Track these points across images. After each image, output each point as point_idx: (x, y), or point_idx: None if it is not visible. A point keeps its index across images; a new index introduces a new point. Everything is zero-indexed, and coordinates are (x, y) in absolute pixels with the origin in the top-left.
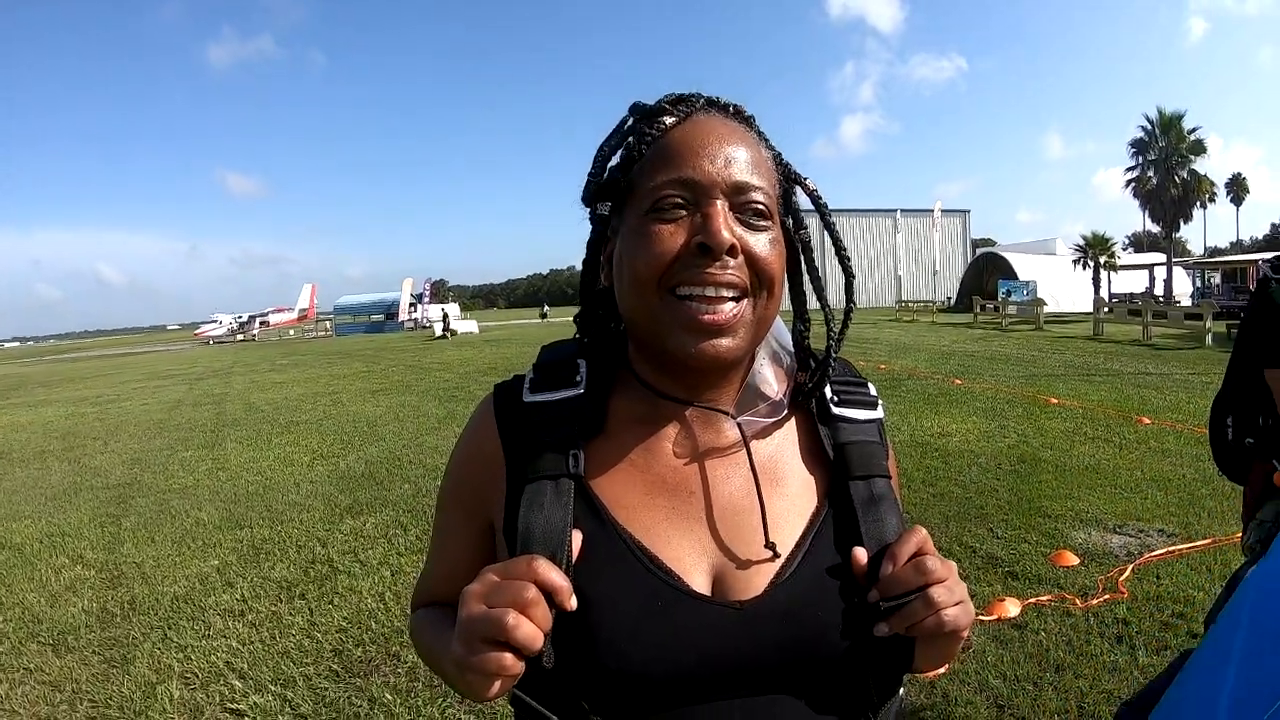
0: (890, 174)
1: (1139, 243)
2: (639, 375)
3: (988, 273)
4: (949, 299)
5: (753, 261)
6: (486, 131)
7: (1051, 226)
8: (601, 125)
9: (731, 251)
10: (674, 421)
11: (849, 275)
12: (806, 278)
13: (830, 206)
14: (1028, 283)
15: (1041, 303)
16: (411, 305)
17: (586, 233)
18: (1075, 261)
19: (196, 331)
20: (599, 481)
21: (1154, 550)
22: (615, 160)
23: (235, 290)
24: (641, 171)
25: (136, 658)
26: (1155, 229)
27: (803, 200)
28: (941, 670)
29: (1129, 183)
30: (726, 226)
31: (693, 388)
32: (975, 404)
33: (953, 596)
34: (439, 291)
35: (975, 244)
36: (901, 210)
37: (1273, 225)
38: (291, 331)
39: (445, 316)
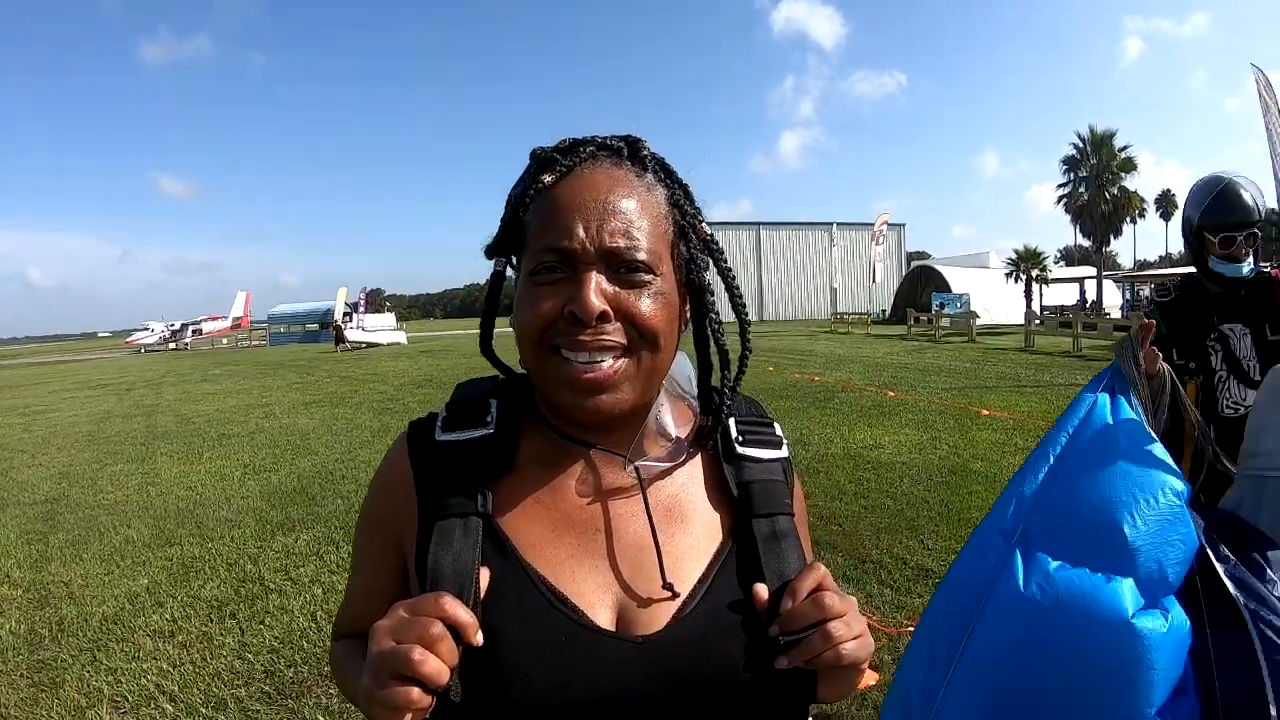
0: (827, 188)
1: (1070, 256)
2: (545, 417)
3: (922, 285)
4: (883, 311)
5: (630, 319)
6: (427, 139)
7: (985, 240)
8: (540, 136)
9: (604, 317)
10: (579, 462)
11: (743, 321)
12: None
13: (768, 220)
14: (961, 295)
15: (974, 315)
16: (346, 315)
17: None
18: (1008, 275)
19: (128, 339)
20: (506, 519)
21: None
22: (507, 216)
23: (168, 297)
24: (528, 229)
25: (66, 681)
26: (1086, 243)
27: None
28: (872, 681)
29: (1061, 199)
30: (598, 293)
31: (594, 432)
32: (907, 416)
33: (851, 631)
34: (375, 300)
35: (910, 257)
36: (838, 224)
37: (1197, 182)
38: (225, 340)
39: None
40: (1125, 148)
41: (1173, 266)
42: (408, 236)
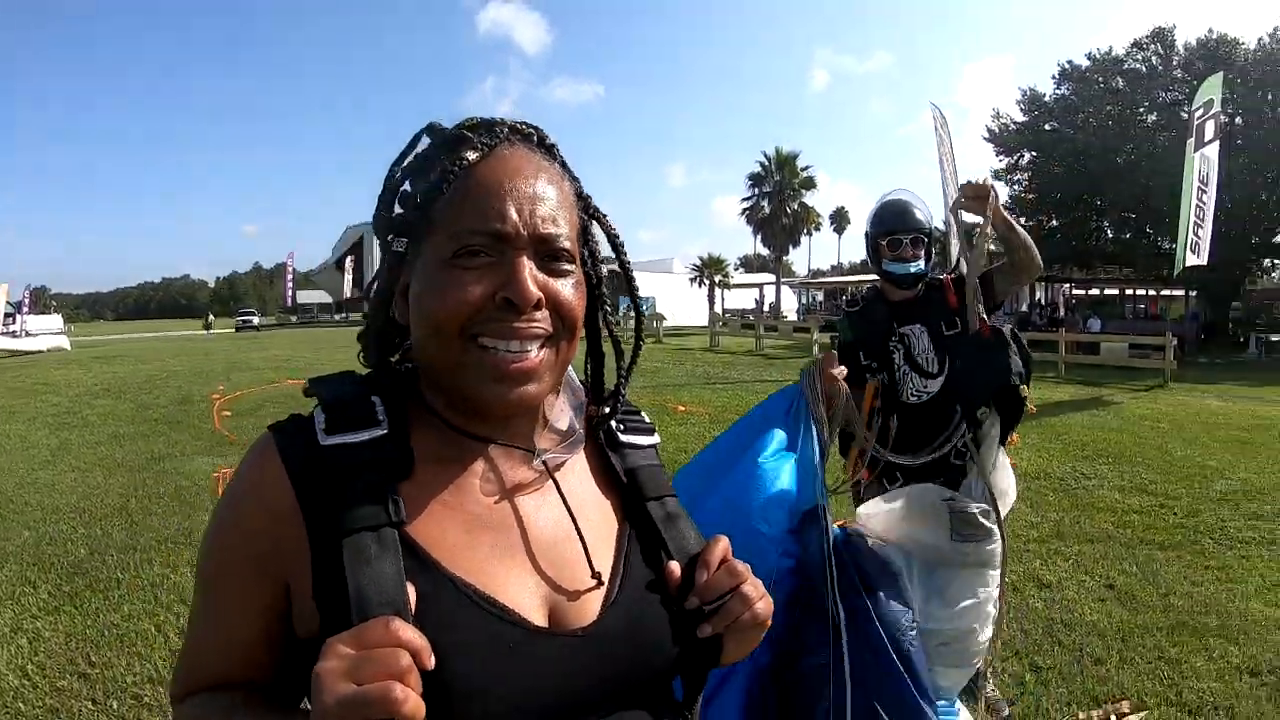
0: None
1: (749, 264)
2: (439, 413)
3: (609, 288)
4: None
5: (557, 308)
6: (90, 125)
7: (671, 246)
8: (227, 122)
9: (537, 305)
10: (478, 459)
11: (639, 313)
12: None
13: None
14: (648, 298)
15: (661, 317)
16: (8, 316)
17: (203, 240)
18: (692, 280)
19: None
20: (415, 526)
21: None
22: (409, 188)
23: None
24: (443, 209)
25: None
26: (766, 252)
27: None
28: None
29: (745, 211)
30: (533, 278)
31: (494, 426)
32: None
33: (759, 591)
34: (40, 300)
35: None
36: None
37: (878, 200)
38: None
39: None
40: (807, 167)
41: (843, 275)
42: (74, 230)
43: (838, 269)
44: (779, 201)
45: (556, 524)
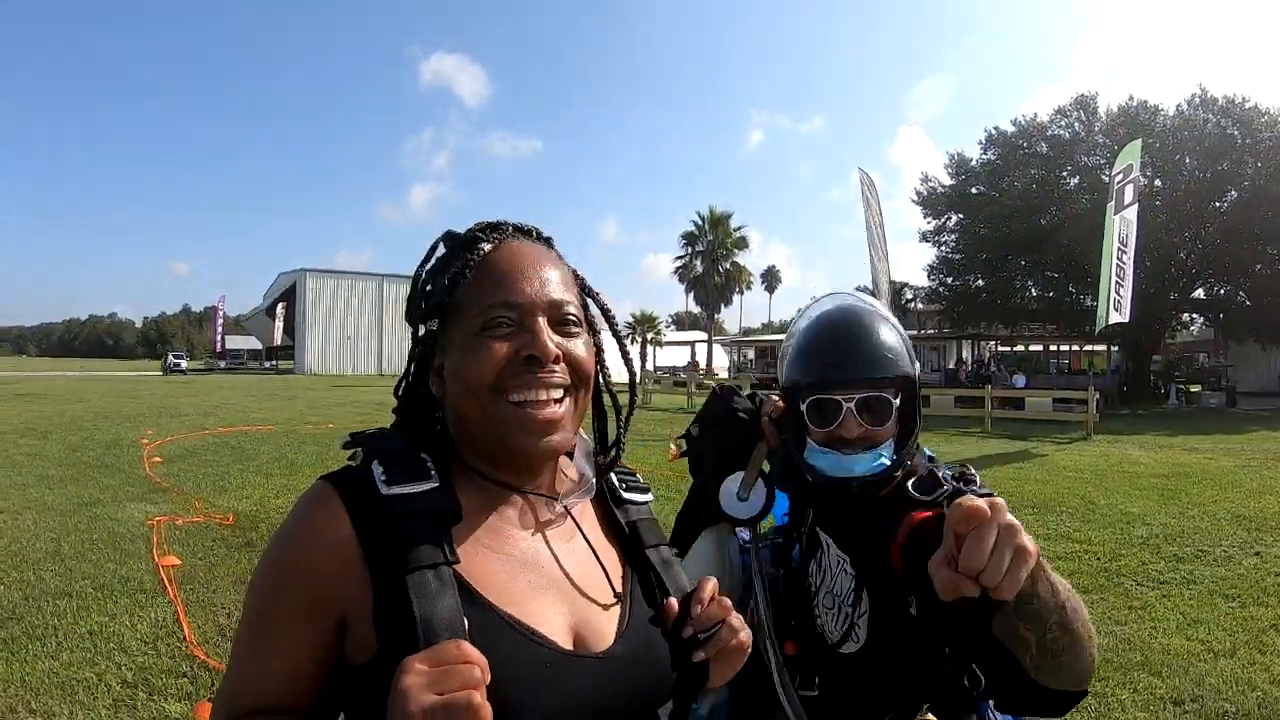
0: None
1: (681, 321)
2: (474, 467)
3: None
4: None
5: (573, 363)
6: (16, 152)
7: None
8: (160, 166)
9: (556, 359)
10: (509, 505)
11: (632, 374)
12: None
13: (387, 272)
14: None
15: None
16: None
17: (130, 277)
18: (625, 337)
19: None
20: (464, 565)
21: None
22: (431, 286)
23: None
24: (466, 294)
25: None
26: (697, 310)
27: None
28: None
29: (677, 269)
30: (550, 338)
31: (522, 476)
32: None
33: (741, 622)
34: None
35: None
36: None
37: (799, 310)
38: None
39: None
40: (740, 228)
41: (775, 334)
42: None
43: (769, 327)
44: (711, 261)
45: (578, 563)
